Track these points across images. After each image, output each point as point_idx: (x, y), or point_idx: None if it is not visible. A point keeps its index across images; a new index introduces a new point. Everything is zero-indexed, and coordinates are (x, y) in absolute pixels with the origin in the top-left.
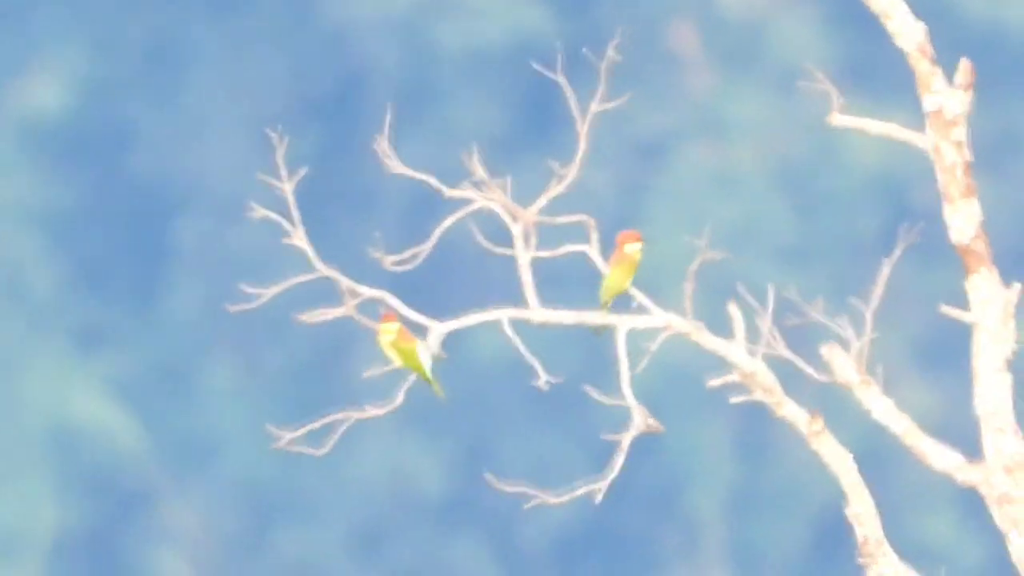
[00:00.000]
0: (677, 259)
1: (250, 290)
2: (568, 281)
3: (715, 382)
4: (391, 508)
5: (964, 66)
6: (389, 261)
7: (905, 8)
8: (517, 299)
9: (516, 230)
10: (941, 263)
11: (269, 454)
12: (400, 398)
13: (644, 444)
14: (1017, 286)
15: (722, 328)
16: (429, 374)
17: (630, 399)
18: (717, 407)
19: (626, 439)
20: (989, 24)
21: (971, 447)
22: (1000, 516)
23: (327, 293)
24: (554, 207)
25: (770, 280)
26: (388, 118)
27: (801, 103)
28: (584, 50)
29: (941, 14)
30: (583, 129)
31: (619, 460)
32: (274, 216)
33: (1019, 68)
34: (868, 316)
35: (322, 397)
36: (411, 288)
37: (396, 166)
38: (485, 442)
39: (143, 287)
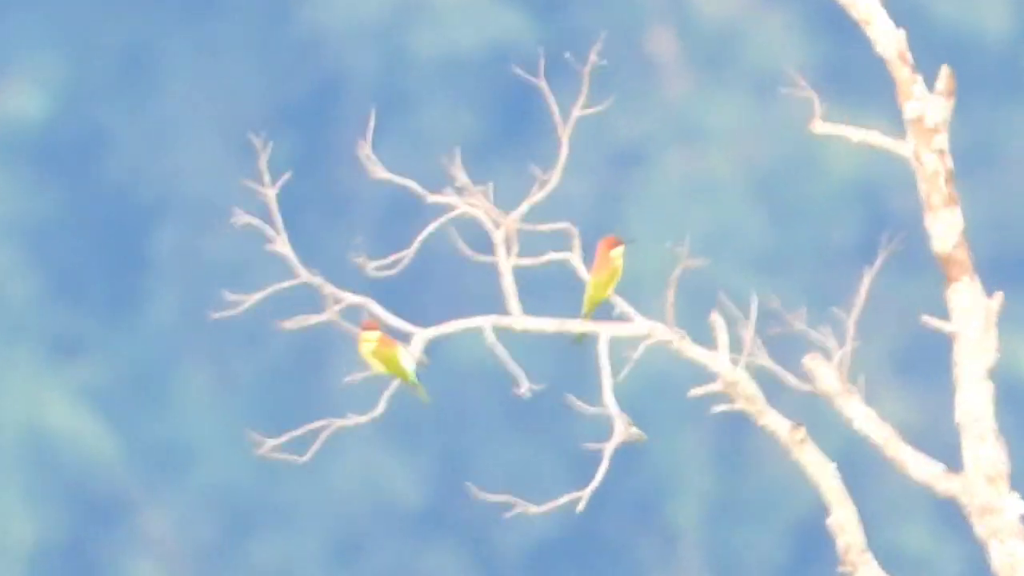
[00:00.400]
0: (658, 266)
1: (230, 296)
2: (550, 288)
3: (697, 391)
4: (370, 517)
5: (945, 73)
6: (371, 267)
7: (885, 15)
8: (499, 306)
9: (498, 237)
10: (922, 272)
11: (247, 463)
12: (382, 406)
13: (626, 453)
14: (999, 295)
15: (704, 336)
16: (414, 378)
17: (612, 408)
18: (699, 416)
19: (608, 448)
20: (966, 30)
21: (952, 457)
22: (980, 526)
23: (306, 300)
24: (535, 214)
25: (751, 288)
26: (371, 123)
27: (782, 109)
28: (567, 55)
29: (918, 20)
30: (565, 135)
31: (601, 469)
32: (257, 222)
33: (996, 75)
34: (850, 325)
35: (300, 405)
36: (393, 294)
37: (379, 171)
38: (465, 451)
39: (120, 295)
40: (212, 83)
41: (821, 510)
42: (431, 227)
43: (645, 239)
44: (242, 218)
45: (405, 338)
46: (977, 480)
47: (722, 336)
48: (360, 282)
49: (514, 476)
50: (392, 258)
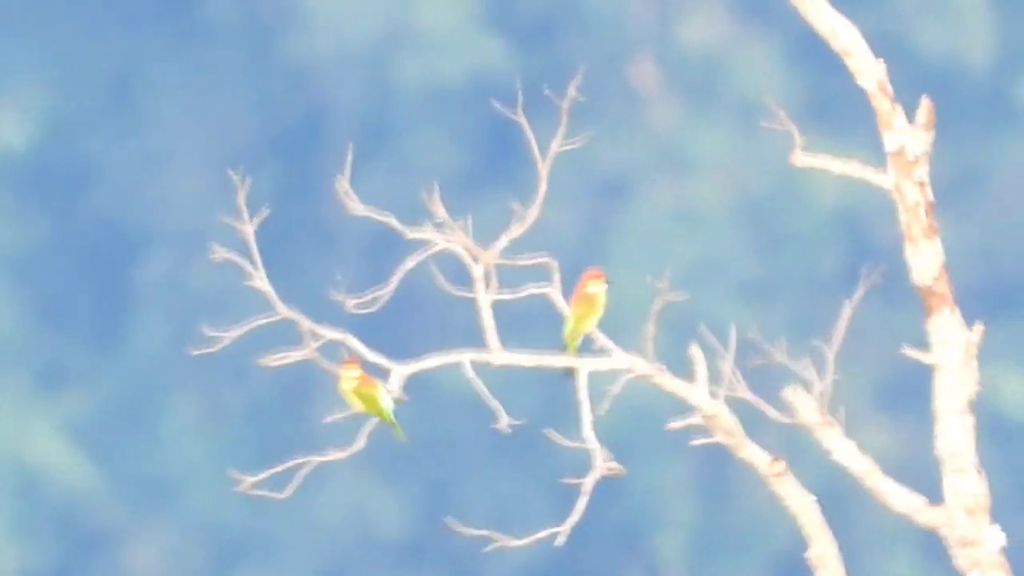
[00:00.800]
0: (639, 298)
1: (211, 333)
2: (530, 322)
3: (676, 424)
4: (353, 551)
5: (925, 105)
6: (350, 303)
7: (865, 46)
8: (478, 341)
9: (477, 271)
10: (903, 303)
11: (231, 495)
12: (362, 442)
13: (606, 486)
14: (979, 327)
15: (684, 368)
16: (392, 417)
17: (591, 442)
18: (681, 448)
19: (588, 482)
20: (947, 62)
21: (932, 489)
22: (961, 558)
23: (289, 334)
24: (515, 246)
25: (732, 318)
26: (349, 157)
27: (763, 140)
28: (545, 89)
29: (900, 51)
30: (544, 169)
31: (582, 503)
32: (235, 258)
33: (979, 105)
34: (830, 357)
35: (284, 438)
36: (372, 329)
37: (357, 207)
38: (446, 485)
39: (104, 326)
40: (197, 112)
41: (803, 542)
42: (409, 263)
43: (628, 270)
44: (220, 254)
45: (384, 374)
46: (957, 512)
47: (701, 369)
48: (341, 316)
49: (496, 508)
50: (371, 295)
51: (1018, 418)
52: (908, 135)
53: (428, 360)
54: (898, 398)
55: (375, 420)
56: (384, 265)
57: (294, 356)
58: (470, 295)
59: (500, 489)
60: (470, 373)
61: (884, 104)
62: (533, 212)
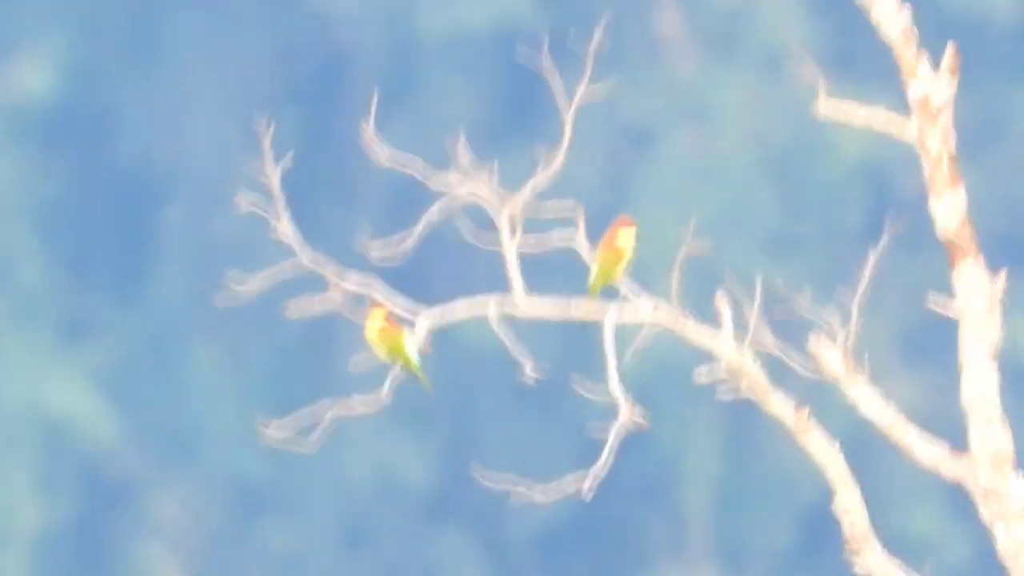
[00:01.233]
0: (664, 248)
1: (235, 281)
2: (555, 268)
3: (702, 376)
4: (377, 502)
5: (950, 51)
6: (376, 251)
7: None
8: (504, 289)
9: (502, 219)
10: (928, 252)
11: (255, 446)
12: (387, 395)
13: (632, 438)
14: (1003, 275)
15: (709, 318)
16: (417, 365)
17: (617, 392)
18: (706, 400)
19: (614, 432)
20: (970, 10)
21: (957, 439)
22: (986, 509)
23: (314, 281)
24: (540, 195)
25: (756, 268)
26: (373, 105)
27: (787, 89)
28: (570, 36)
29: (923, 2)
30: (569, 117)
31: (606, 453)
32: (259, 210)
33: (1001, 55)
34: (854, 307)
35: (309, 387)
36: (398, 277)
37: (383, 158)
38: (471, 436)
39: (128, 275)
40: (219, 62)
41: (828, 494)
42: (433, 210)
43: (652, 219)
44: (245, 203)
45: (409, 323)
46: (983, 463)
47: (727, 318)
48: (366, 265)
49: (521, 460)
50: (396, 242)
51: None
52: (932, 82)
53: (454, 307)
54: (923, 348)
55: (399, 371)
56: (409, 214)
57: (320, 304)
58: (494, 245)
59: (524, 440)
60: (495, 321)
61: (908, 52)
62: (558, 160)
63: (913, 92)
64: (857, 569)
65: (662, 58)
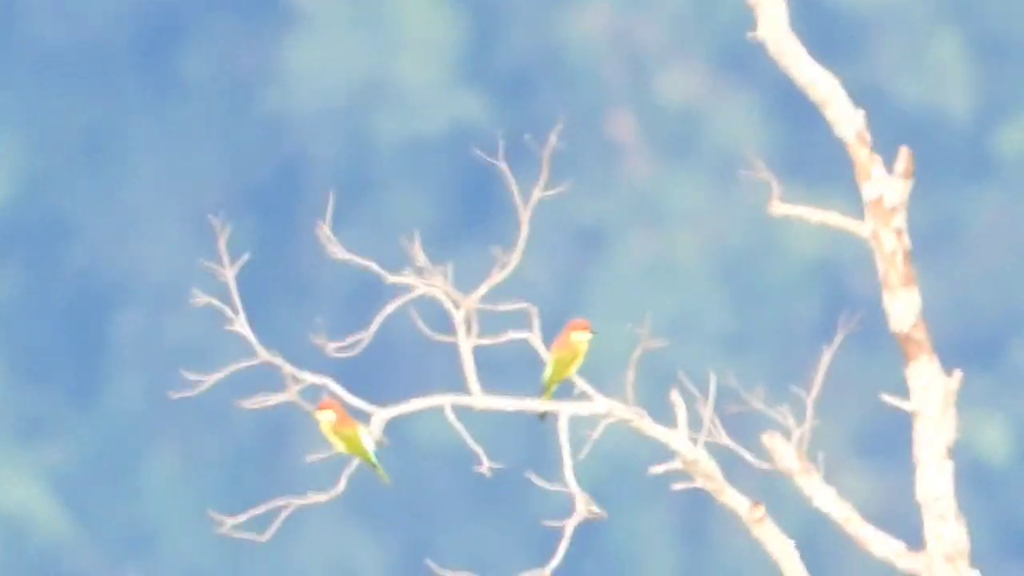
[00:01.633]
0: (618, 347)
1: (191, 377)
2: (510, 368)
3: (657, 469)
4: None
5: (904, 154)
6: (331, 348)
7: (844, 96)
8: (459, 386)
9: (458, 317)
10: (881, 351)
11: (211, 543)
12: (343, 485)
13: (586, 531)
14: (958, 374)
15: (664, 415)
16: (374, 459)
17: (572, 486)
18: (660, 494)
19: (569, 526)
20: (925, 112)
21: (913, 535)
22: None
23: (269, 380)
24: (495, 295)
25: (710, 367)
26: (330, 204)
27: (740, 191)
28: (526, 137)
29: (878, 101)
30: (525, 216)
31: (562, 547)
32: (216, 303)
33: (959, 156)
34: (809, 404)
35: (265, 484)
36: (353, 375)
37: (338, 252)
38: (427, 529)
39: (83, 378)
40: (175, 166)
41: None
42: (390, 307)
43: (606, 319)
44: (201, 299)
45: (366, 418)
46: (938, 558)
47: (681, 415)
48: (322, 362)
49: (478, 554)
50: (352, 339)
51: (996, 465)
52: (886, 184)
53: (410, 404)
54: (877, 445)
55: (356, 462)
56: (364, 312)
57: (275, 399)
58: (451, 340)
59: (480, 534)
60: (451, 417)
61: (862, 153)
62: (514, 258)
63: (867, 193)
64: None
65: (616, 160)
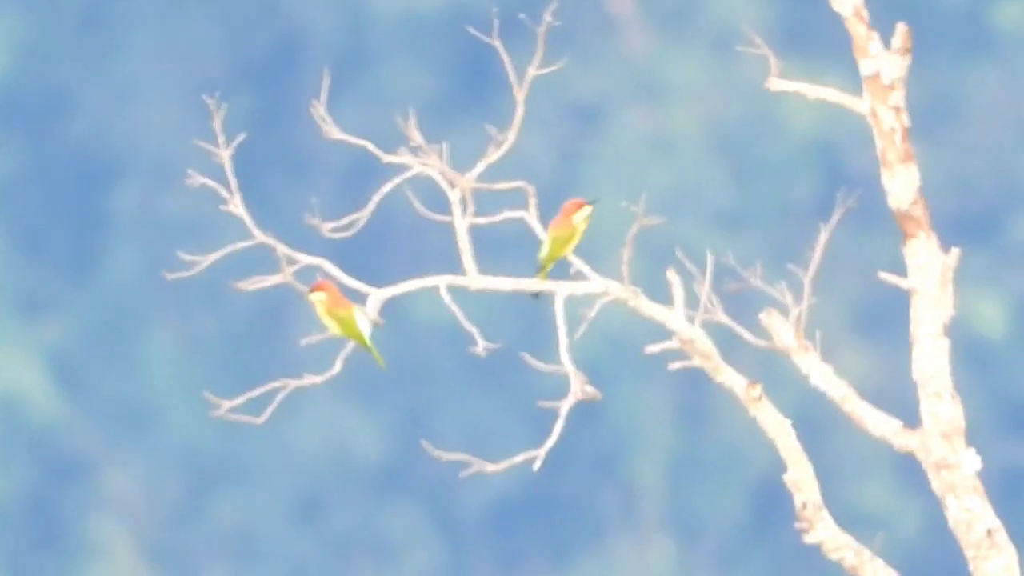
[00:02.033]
0: (614, 225)
1: (188, 257)
2: (506, 248)
3: (653, 348)
4: (330, 475)
5: (901, 30)
6: (327, 228)
7: None
8: (455, 266)
9: (454, 196)
10: (879, 229)
11: (208, 421)
12: (338, 366)
13: (583, 411)
14: (955, 251)
15: (660, 294)
16: (368, 341)
17: (568, 366)
18: (656, 374)
19: (564, 406)
20: None
21: (909, 413)
22: (937, 482)
23: (265, 260)
24: (491, 173)
25: (707, 245)
26: (325, 83)
27: (738, 67)
28: (521, 15)
29: None
30: (521, 94)
31: (557, 427)
32: (211, 184)
33: (955, 31)
34: (806, 282)
35: (261, 363)
36: (349, 255)
37: (333, 132)
38: (423, 409)
39: (80, 254)
40: (172, 40)
41: (780, 466)
42: (386, 187)
43: (603, 196)
44: (197, 179)
45: (361, 299)
46: (934, 436)
47: (678, 293)
48: (317, 243)
49: (473, 433)
50: (348, 219)
51: (993, 342)
52: (884, 60)
53: (405, 284)
54: (874, 323)
55: (352, 344)
56: (360, 192)
57: (270, 281)
58: (447, 220)
59: (476, 414)
60: (447, 297)
61: (860, 30)
62: (510, 137)
63: (865, 69)
64: (808, 540)
65: (613, 36)
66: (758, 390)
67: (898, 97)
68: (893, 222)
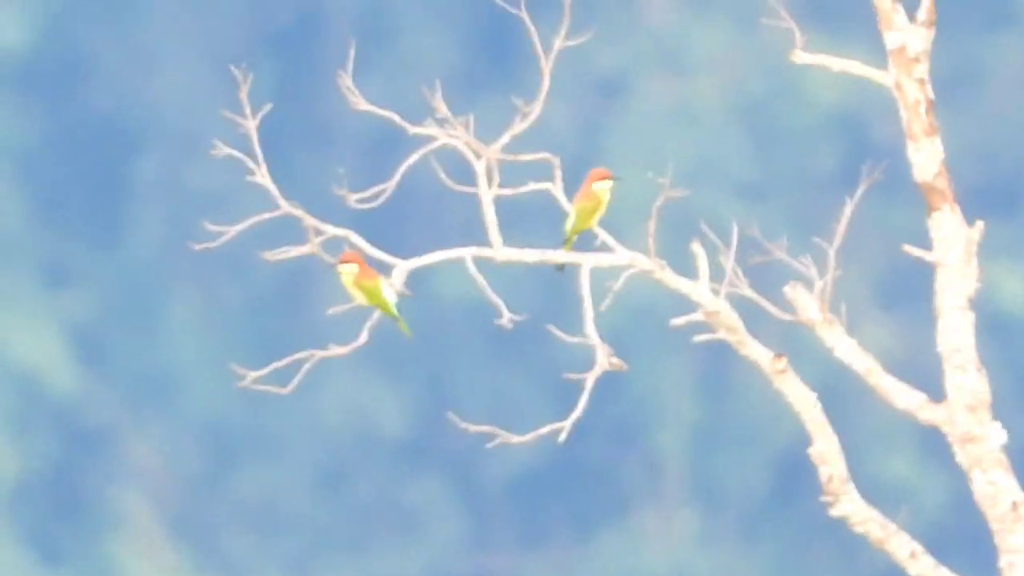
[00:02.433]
0: (639, 196)
1: (213, 228)
2: (531, 219)
3: (678, 321)
4: (353, 447)
5: (926, 3)
6: (353, 199)
7: None
8: (480, 237)
9: (479, 168)
10: (903, 201)
11: (231, 392)
12: (364, 337)
13: (608, 383)
14: (980, 224)
15: (685, 266)
16: (395, 311)
17: (593, 338)
18: (681, 346)
19: (590, 378)
20: None
21: (934, 386)
22: (962, 455)
23: (290, 231)
24: (516, 144)
25: (732, 217)
26: (351, 54)
27: (763, 38)
28: None
29: None
30: (547, 66)
31: (583, 399)
32: (237, 154)
33: (977, 4)
34: (831, 254)
35: (285, 335)
36: (375, 226)
37: (360, 103)
38: (448, 381)
39: (104, 224)
40: (197, 9)
41: (805, 439)
42: (412, 158)
43: (627, 168)
44: (223, 150)
45: (387, 270)
46: (959, 409)
47: (703, 265)
48: (343, 213)
49: (497, 405)
50: (374, 190)
51: (1017, 316)
52: (909, 33)
53: (431, 256)
54: (899, 296)
55: (378, 314)
56: (385, 163)
57: (296, 251)
58: (472, 191)
59: (500, 386)
60: (472, 269)
61: (885, 2)
62: (536, 108)
63: (890, 42)
64: (833, 513)
65: (639, 7)
66: (783, 363)
67: (923, 70)
68: (917, 194)
